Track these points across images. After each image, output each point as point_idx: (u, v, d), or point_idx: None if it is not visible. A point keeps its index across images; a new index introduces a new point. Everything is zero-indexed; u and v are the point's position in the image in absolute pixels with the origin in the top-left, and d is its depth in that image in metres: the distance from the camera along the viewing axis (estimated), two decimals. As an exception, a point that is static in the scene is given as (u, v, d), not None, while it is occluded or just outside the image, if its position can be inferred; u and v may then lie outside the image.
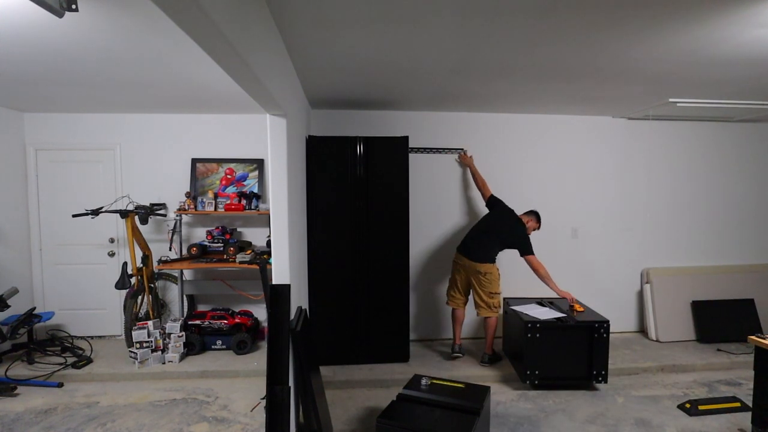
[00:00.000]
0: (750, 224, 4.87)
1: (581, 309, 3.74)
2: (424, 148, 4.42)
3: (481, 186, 4.20)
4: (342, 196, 3.80)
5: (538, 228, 3.98)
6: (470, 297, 3.96)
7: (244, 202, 4.28)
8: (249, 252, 4.16)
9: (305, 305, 3.55)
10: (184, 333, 3.98)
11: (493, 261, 3.85)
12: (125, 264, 4.00)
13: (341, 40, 2.46)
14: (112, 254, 4.48)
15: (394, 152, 3.83)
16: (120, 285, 3.92)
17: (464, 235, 4.03)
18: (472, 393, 2.76)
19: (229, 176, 4.47)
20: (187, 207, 4.23)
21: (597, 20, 2.18)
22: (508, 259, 4.52)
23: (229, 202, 4.30)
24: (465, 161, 4.37)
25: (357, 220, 3.82)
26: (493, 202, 4.04)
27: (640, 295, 4.78)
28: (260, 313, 4.45)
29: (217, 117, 4.45)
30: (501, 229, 3.87)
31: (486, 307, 3.87)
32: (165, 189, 4.43)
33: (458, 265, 3.92)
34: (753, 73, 3.02)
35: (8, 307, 3.71)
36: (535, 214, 3.97)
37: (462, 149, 4.43)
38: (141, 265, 4.08)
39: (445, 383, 2.86)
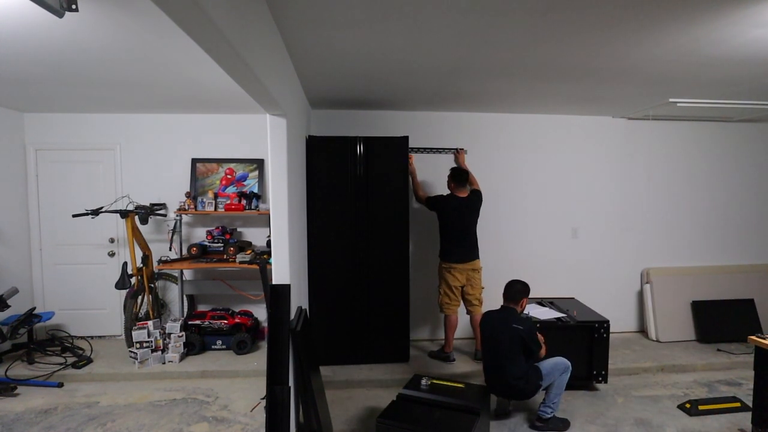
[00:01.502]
0: (750, 224, 4.87)
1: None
2: (424, 148, 4.42)
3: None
4: (342, 196, 3.80)
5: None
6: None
7: (244, 202, 4.28)
8: (249, 252, 4.16)
9: (305, 305, 3.55)
10: (184, 333, 3.98)
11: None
12: (125, 264, 4.00)
13: (341, 40, 2.46)
14: (112, 254, 4.48)
15: (394, 152, 3.83)
16: (120, 285, 3.92)
17: (446, 244, 3.92)
18: (472, 393, 2.76)
19: (229, 176, 4.47)
20: (187, 207, 4.23)
21: (597, 20, 2.18)
22: (508, 259, 4.54)
23: (229, 202, 4.30)
24: (461, 160, 4.35)
25: (357, 220, 3.82)
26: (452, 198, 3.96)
27: (640, 295, 4.78)
28: (260, 313, 4.45)
29: (217, 117, 4.45)
30: (474, 217, 3.92)
31: (479, 305, 3.92)
32: (165, 189, 4.43)
33: (453, 272, 3.85)
34: (753, 73, 3.02)
35: (8, 307, 3.71)
36: (452, 176, 3.94)
37: (462, 149, 4.42)
38: (141, 265, 4.08)
39: (445, 383, 2.86)
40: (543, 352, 2.95)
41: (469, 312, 3.98)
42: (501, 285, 3.11)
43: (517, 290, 3.04)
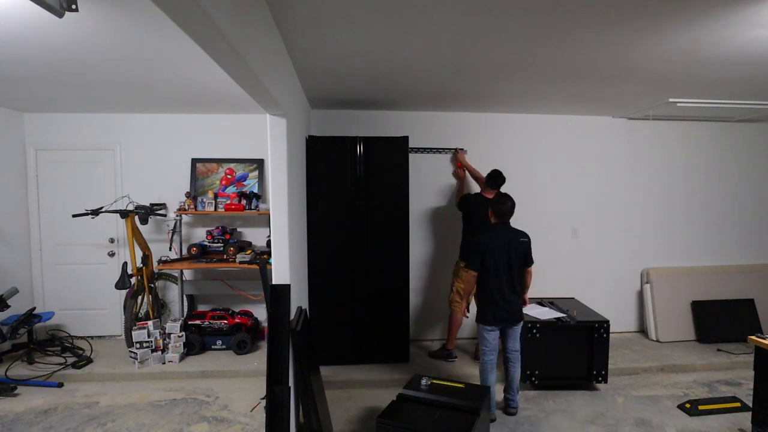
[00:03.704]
0: (750, 224, 4.87)
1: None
2: (424, 148, 4.42)
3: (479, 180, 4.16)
4: (342, 196, 3.80)
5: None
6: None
7: (244, 202, 4.28)
8: (249, 252, 4.16)
9: (305, 305, 3.55)
10: (184, 333, 3.98)
11: None
12: (125, 264, 4.00)
13: (341, 40, 2.46)
14: (112, 254, 4.48)
15: (394, 152, 3.83)
16: (120, 285, 3.92)
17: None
18: (472, 393, 2.76)
19: (229, 176, 4.47)
20: (187, 207, 4.23)
21: (597, 20, 2.18)
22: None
23: (229, 202, 4.30)
24: (461, 160, 4.35)
25: (357, 220, 3.82)
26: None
27: (640, 295, 4.78)
28: (260, 313, 4.45)
29: (217, 117, 4.45)
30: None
31: None
32: (165, 189, 4.43)
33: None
34: (753, 73, 3.02)
35: (8, 307, 3.71)
36: (488, 177, 3.88)
37: (461, 148, 4.42)
38: (141, 265, 4.08)
39: (445, 383, 2.85)
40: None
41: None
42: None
43: (513, 205, 3.08)
